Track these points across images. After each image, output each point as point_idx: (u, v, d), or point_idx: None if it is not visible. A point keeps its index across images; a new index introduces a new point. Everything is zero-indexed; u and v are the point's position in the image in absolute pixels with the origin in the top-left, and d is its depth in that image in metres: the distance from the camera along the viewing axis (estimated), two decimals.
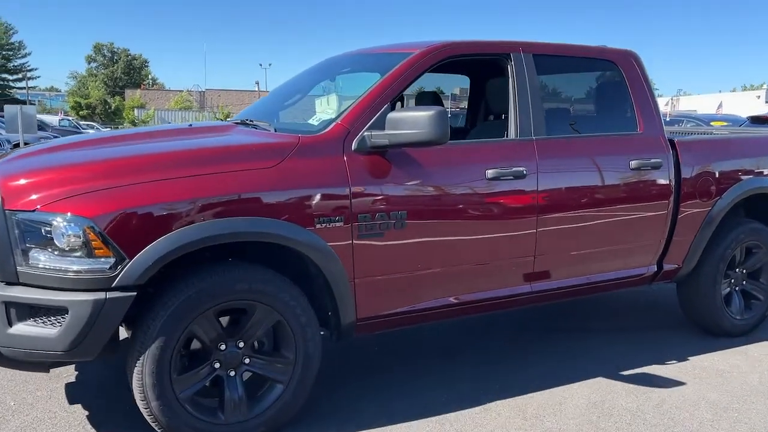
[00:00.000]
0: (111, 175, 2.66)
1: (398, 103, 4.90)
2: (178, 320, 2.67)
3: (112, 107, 60.83)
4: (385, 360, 4.01)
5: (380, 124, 3.06)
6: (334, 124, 3.10)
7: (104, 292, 2.53)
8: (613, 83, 4.04)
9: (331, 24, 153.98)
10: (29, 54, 68.37)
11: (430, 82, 5.24)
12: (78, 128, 32.48)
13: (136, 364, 2.66)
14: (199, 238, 2.63)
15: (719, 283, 4.32)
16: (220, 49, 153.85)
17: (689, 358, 4.07)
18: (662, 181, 3.89)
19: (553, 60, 3.85)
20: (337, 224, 2.94)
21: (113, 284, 2.54)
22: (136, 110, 55.49)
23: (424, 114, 2.93)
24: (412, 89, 5.01)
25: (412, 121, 2.96)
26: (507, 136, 3.56)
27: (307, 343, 2.96)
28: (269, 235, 2.78)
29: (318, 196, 2.90)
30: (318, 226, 2.89)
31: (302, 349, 2.95)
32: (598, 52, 3.99)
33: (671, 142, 4.00)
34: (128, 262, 2.54)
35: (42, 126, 26.38)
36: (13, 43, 65.79)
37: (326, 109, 3.92)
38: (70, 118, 39.04)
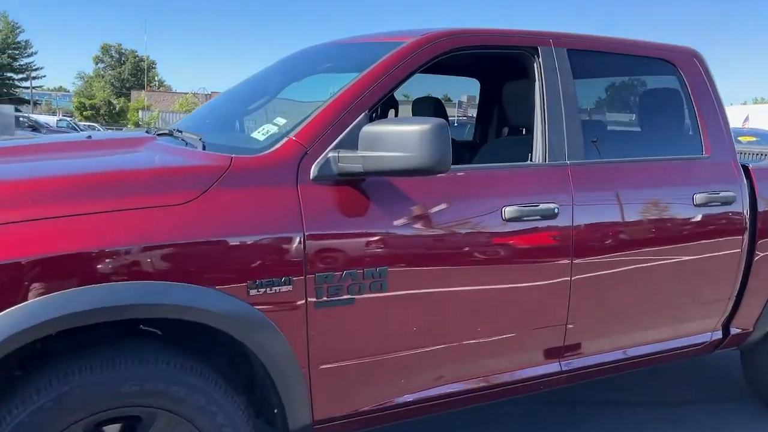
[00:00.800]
0: None
1: (391, 111, 3.98)
2: None
3: (117, 108, 60.06)
4: None
5: (353, 142, 2.12)
6: (285, 140, 2.16)
7: None
8: (671, 91, 3.08)
9: (336, 24, 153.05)
10: (35, 53, 67.61)
11: (432, 85, 4.29)
12: (76, 129, 31.59)
13: None
14: (53, 318, 1.68)
15: None
16: (226, 49, 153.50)
17: None
18: (734, 222, 2.94)
19: (593, 58, 2.89)
20: (283, 288, 1.99)
21: None
22: (140, 112, 54.67)
23: (414, 129, 1.98)
24: (415, 93, 4.09)
25: (396, 138, 2.02)
26: (531, 159, 2.61)
27: None
28: (166, 307, 1.83)
29: (253, 247, 1.95)
30: (252, 291, 1.95)
31: None
32: (652, 49, 3.03)
33: (744, 168, 3.05)
34: None
35: (36, 126, 25.61)
36: (19, 42, 64.97)
37: None
38: (68, 119, 38.24)
